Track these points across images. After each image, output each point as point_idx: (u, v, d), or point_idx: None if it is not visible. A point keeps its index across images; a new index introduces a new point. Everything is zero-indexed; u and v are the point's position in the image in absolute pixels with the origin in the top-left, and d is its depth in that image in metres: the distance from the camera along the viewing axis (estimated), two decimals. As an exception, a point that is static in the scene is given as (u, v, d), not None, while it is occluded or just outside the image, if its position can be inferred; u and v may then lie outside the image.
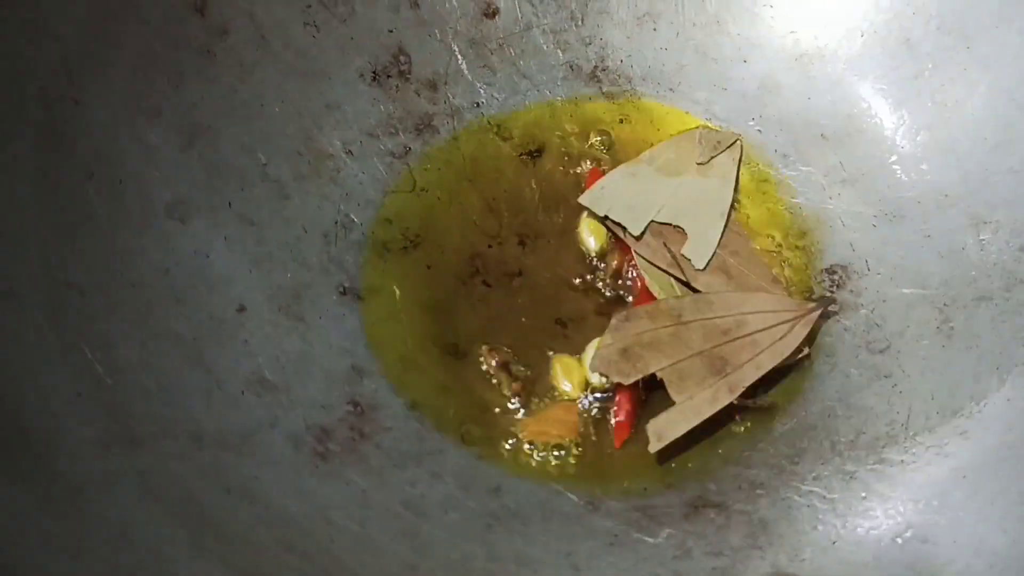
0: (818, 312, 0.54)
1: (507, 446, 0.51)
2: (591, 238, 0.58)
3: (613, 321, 0.52)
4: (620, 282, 0.57)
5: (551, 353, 0.54)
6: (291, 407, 0.49)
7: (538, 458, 0.51)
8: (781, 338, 0.53)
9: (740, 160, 0.60)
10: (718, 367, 0.51)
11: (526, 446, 0.51)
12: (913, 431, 0.51)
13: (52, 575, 0.39)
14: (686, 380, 0.51)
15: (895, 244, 0.57)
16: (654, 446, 0.50)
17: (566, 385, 0.52)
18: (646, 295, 0.55)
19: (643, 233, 0.56)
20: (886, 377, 0.53)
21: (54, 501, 0.39)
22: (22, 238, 0.46)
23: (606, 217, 0.57)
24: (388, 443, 0.50)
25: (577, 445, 0.52)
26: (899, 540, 0.46)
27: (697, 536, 0.48)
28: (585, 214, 0.58)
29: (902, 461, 0.50)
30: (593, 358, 0.52)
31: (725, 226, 0.57)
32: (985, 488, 0.47)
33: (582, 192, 0.58)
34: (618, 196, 0.58)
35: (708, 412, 0.50)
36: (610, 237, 0.57)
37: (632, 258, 0.56)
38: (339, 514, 0.46)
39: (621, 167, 0.59)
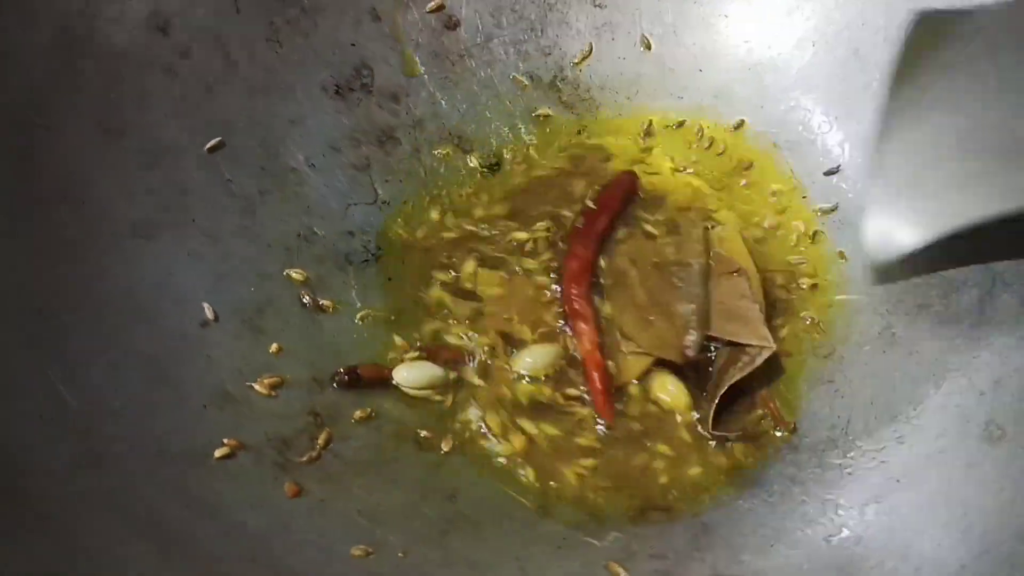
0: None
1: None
2: None
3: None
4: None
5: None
6: (252, 419, 0.51)
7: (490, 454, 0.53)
8: None
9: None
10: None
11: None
12: (853, 436, 0.53)
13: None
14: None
15: (843, 250, 0.59)
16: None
17: None
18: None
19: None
20: (829, 382, 0.55)
21: (23, 528, 0.41)
22: (-1, 266, 0.48)
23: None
24: (347, 452, 0.52)
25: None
26: (833, 540, 0.49)
27: (641, 539, 0.50)
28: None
29: (840, 465, 0.52)
30: None
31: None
32: (916, 494, 0.49)
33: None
34: None
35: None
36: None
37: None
38: (299, 524, 0.48)
39: None
